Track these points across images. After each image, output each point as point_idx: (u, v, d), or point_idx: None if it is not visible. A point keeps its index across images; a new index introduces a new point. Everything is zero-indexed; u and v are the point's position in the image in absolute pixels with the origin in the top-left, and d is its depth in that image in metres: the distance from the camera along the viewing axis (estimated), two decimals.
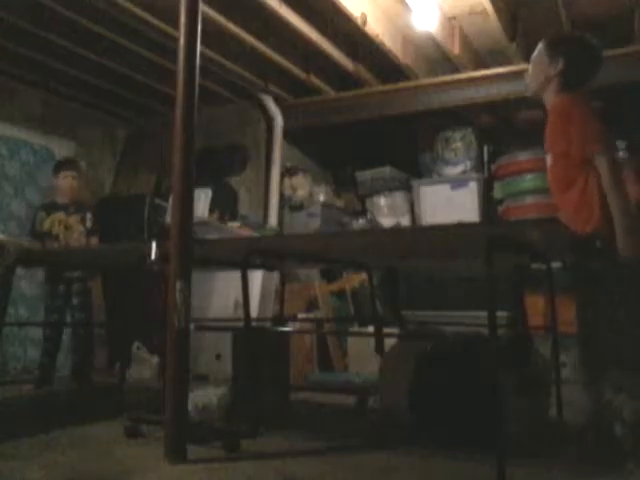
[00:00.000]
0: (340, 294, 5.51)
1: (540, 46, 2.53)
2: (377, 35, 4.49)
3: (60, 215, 4.45)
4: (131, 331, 5.02)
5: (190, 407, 2.82)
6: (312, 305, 5.26)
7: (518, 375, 2.88)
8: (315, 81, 5.44)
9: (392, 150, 5.76)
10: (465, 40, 4.86)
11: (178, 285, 2.62)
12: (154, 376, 4.90)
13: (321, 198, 5.93)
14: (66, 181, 4.46)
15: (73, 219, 4.44)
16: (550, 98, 2.48)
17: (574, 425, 3.18)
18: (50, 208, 4.51)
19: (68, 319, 4.47)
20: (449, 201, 5.37)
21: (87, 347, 4.53)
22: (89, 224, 4.43)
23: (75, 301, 4.40)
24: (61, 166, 4.58)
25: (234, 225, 3.85)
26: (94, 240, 4.42)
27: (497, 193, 5.40)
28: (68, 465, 2.53)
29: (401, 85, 5.41)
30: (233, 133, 5.91)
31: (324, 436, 3.10)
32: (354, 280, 5.45)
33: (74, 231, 4.40)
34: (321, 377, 4.80)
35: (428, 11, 4.29)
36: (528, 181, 5.15)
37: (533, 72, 2.55)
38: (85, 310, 4.46)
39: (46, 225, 4.43)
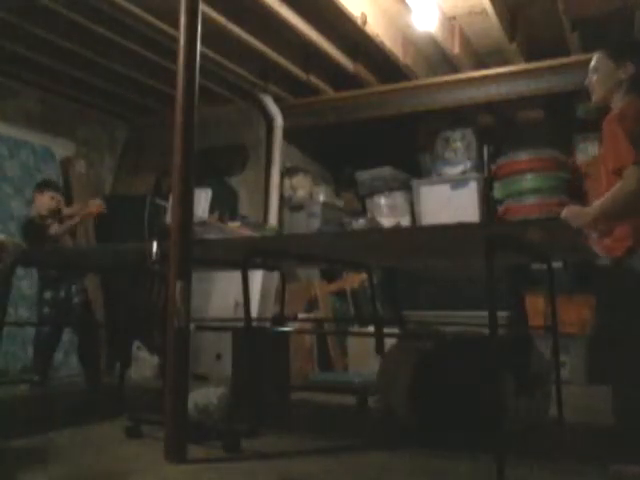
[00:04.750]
0: (340, 294, 5.51)
1: (599, 55, 2.52)
2: (377, 35, 4.48)
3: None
4: (131, 331, 5.02)
5: (190, 407, 2.82)
6: (312, 305, 5.27)
7: (518, 375, 2.88)
8: (315, 81, 5.43)
9: (392, 150, 5.76)
10: (465, 40, 4.85)
11: (178, 285, 2.62)
12: (154, 376, 4.90)
13: (321, 198, 5.94)
14: (53, 202, 4.52)
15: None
16: (619, 102, 2.45)
17: (574, 425, 3.19)
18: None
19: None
20: (449, 201, 5.36)
21: (97, 348, 4.54)
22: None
23: (76, 299, 4.39)
24: (49, 186, 4.60)
25: (234, 225, 3.85)
26: None
27: (497, 193, 5.40)
28: (68, 465, 2.53)
29: (401, 85, 5.41)
30: (233, 133, 5.91)
31: (324, 436, 3.10)
32: (354, 280, 5.46)
33: None
34: (321, 377, 4.80)
35: (428, 11, 4.29)
36: (528, 181, 5.16)
37: (599, 80, 2.51)
38: (87, 308, 4.47)
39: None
